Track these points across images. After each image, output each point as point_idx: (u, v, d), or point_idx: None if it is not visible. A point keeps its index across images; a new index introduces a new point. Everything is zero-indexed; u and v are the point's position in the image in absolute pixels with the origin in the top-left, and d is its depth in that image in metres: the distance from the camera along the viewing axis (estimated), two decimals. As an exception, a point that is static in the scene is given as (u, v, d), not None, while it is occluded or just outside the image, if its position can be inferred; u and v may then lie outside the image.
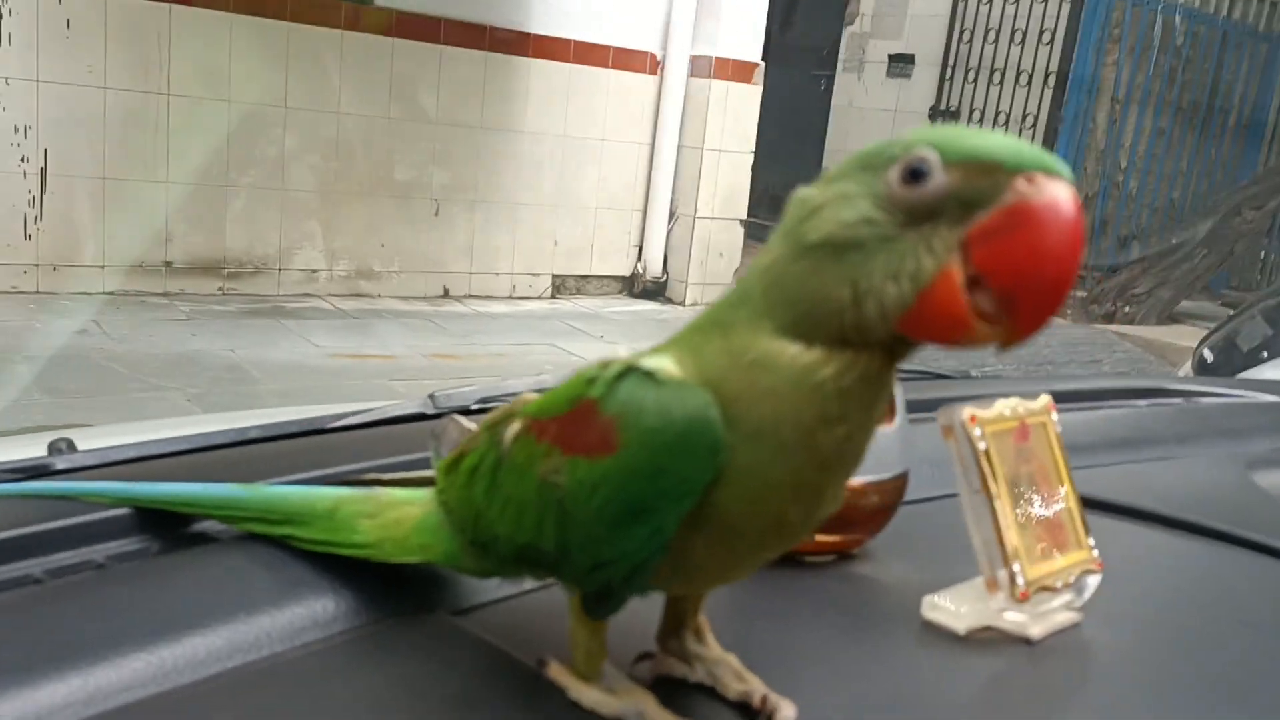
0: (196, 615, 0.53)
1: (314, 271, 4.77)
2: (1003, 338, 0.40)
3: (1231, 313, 3.51)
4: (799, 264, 0.42)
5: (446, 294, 5.08)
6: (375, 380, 3.75)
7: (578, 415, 0.46)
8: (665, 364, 0.45)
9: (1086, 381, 1.29)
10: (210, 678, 0.50)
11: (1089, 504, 0.85)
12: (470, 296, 5.12)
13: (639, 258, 5.55)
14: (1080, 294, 6.35)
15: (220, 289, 4.54)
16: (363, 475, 0.66)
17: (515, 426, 0.50)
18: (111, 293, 4.27)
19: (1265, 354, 2.43)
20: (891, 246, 0.40)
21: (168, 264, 4.42)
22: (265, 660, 0.52)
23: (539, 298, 5.32)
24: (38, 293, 4.16)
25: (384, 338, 4.32)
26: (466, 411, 0.96)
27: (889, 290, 0.40)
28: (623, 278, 5.57)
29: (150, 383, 3.42)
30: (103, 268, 4.28)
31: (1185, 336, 5.72)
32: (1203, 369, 2.43)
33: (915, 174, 0.40)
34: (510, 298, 5.23)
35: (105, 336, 3.83)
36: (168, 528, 0.63)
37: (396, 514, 0.56)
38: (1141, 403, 1.18)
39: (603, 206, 5.39)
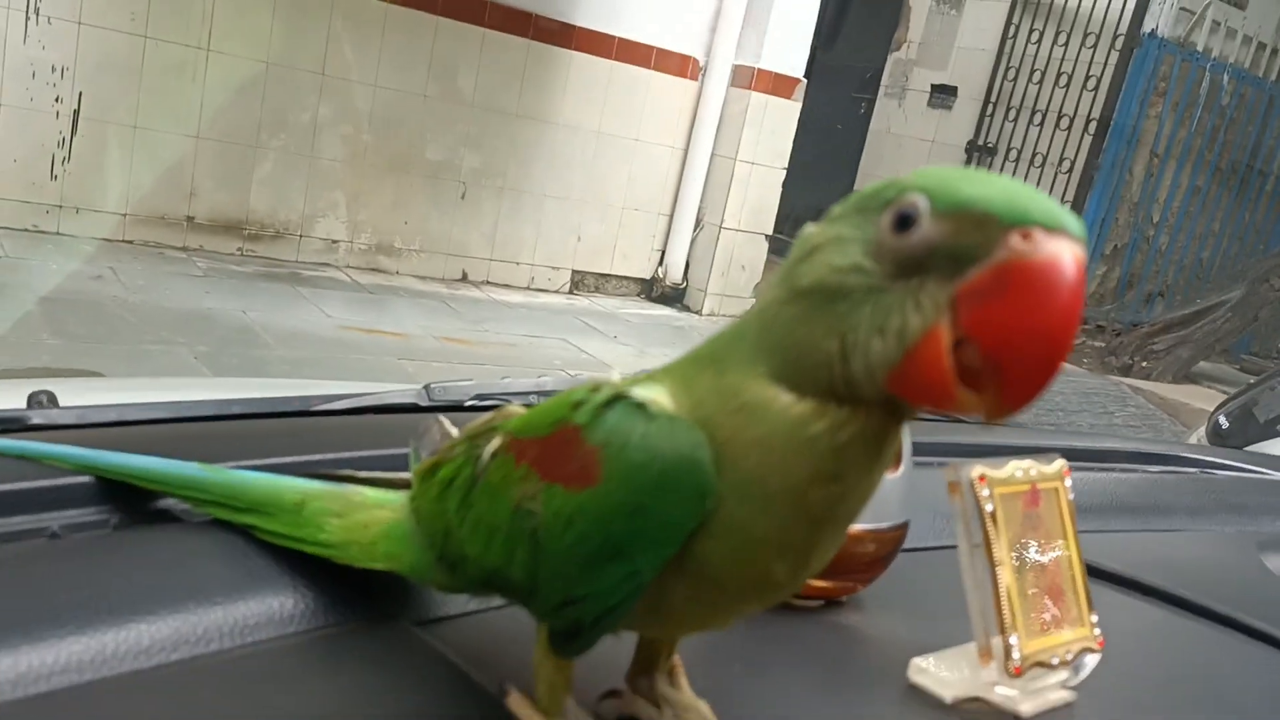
0: (145, 599, 0.51)
1: (334, 242, 4.76)
2: (989, 409, 0.36)
3: (1251, 380, 3.46)
4: (791, 308, 0.39)
5: (465, 278, 5.06)
6: (384, 357, 3.73)
7: (560, 440, 0.43)
8: (658, 395, 0.42)
9: (1100, 441, 1.26)
10: (151, 669, 0.48)
11: (1091, 572, 0.82)
12: (488, 283, 5.10)
13: (661, 262, 5.52)
14: (1098, 344, 6.28)
15: (239, 249, 4.53)
16: (341, 468, 0.63)
17: (495, 442, 0.47)
18: (131, 241, 4.27)
19: (1282, 427, 2.39)
20: (880, 299, 0.36)
21: (189, 219, 4.41)
22: (212, 655, 0.50)
23: (557, 291, 5.29)
24: (58, 234, 4.17)
25: (398, 315, 4.30)
26: (460, 408, 0.94)
27: (875, 346, 0.36)
28: (643, 280, 5.54)
29: (160, 336, 3.41)
30: (124, 216, 4.27)
31: (1200, 398, 5.65)
32: (1217, 436, 2.39)
33: (904, 222, 0.36)
34: (528, 289, 5.21)
35: (120, 285, 3.82)
36: (130, 501, 0.60)
37: (365, 516, 0.53)
38: (1154, 469, 1.14)
39: (630, 207, 5.36)
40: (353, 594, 0.56)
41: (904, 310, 0.36)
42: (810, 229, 0.41)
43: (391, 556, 0.52)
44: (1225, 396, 2.93)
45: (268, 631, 0.52)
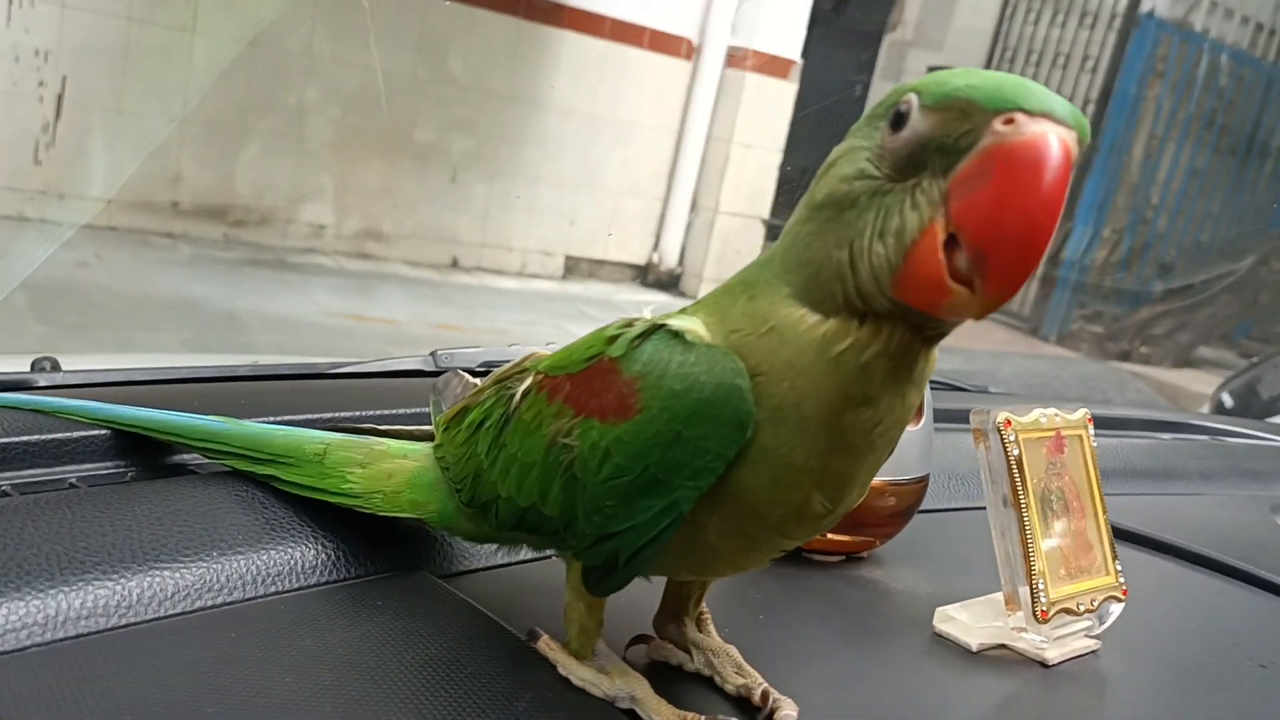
0: (168, 548, 0.50)
1: (321, 227, 4.71)
2: (977, 303, 0.35)
3: (1253, 360, 3.47)
4: (809, 224, 0.39)
5: (455, 264, 5.03)
6: (374, 344, 3.70)
7: (595, 374, 0.42)
8: (694, 325, 0.41)
9: (1112, 409, 1.26)
10: (176, 615, 0.47)
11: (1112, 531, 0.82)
12: (480, 269, 5.07)
13: (655, 247, 5.50)
14: (1097, 329, 6.30)
15: (225, 235, 4.49)
16: (374, 425, 0.62)
17: (527, 382, 0.46)
18: (115, 228, 4.23)
19: (1285, 403, 2.40)
20: (882, 202, 0.36)
21: (174, 204, 4.37)
22: (235, 603, 0.49)
23: (549, 277, 5.27)
24: (42, 220, 4.13)
25: (387, 302, 4.28)
26: (469, 373, 0.93)
27: (878, 250, 0.36)
28: (637, 266, 5.52)
29: (146, 322, 3.38)
30: (109, 201, 4.22)
31: (1199, 382, 5.66)
32: (1220, 413, 2.40)
33: (899, 121, 0.36)
34: (520, 274, 5.18)
35: (105, 271, 3.78)
36: (145, 455, 0.60)
37: (389, 466, 0.53)
38: (1166, 435, 1.14)
39: (624, 191, 5.33)
40: (373, 546, 0.55)
41: (903, 210, 0.36)
42: (837, 146, 0.40)
43: (417, 505, 0.51)
44: (1227, 376, 2.94)
45: (290, 581, 0.52)
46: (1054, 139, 0.33)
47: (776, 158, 5.45)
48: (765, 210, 5.50)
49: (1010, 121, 0.34)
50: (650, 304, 0.48)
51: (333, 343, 3.63)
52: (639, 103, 5.20)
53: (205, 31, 4.24)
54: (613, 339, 0.43)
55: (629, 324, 0.43)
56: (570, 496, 0.42)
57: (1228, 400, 2.44)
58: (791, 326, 0.39)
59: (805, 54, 5.39)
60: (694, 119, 5.29)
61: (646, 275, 5.50)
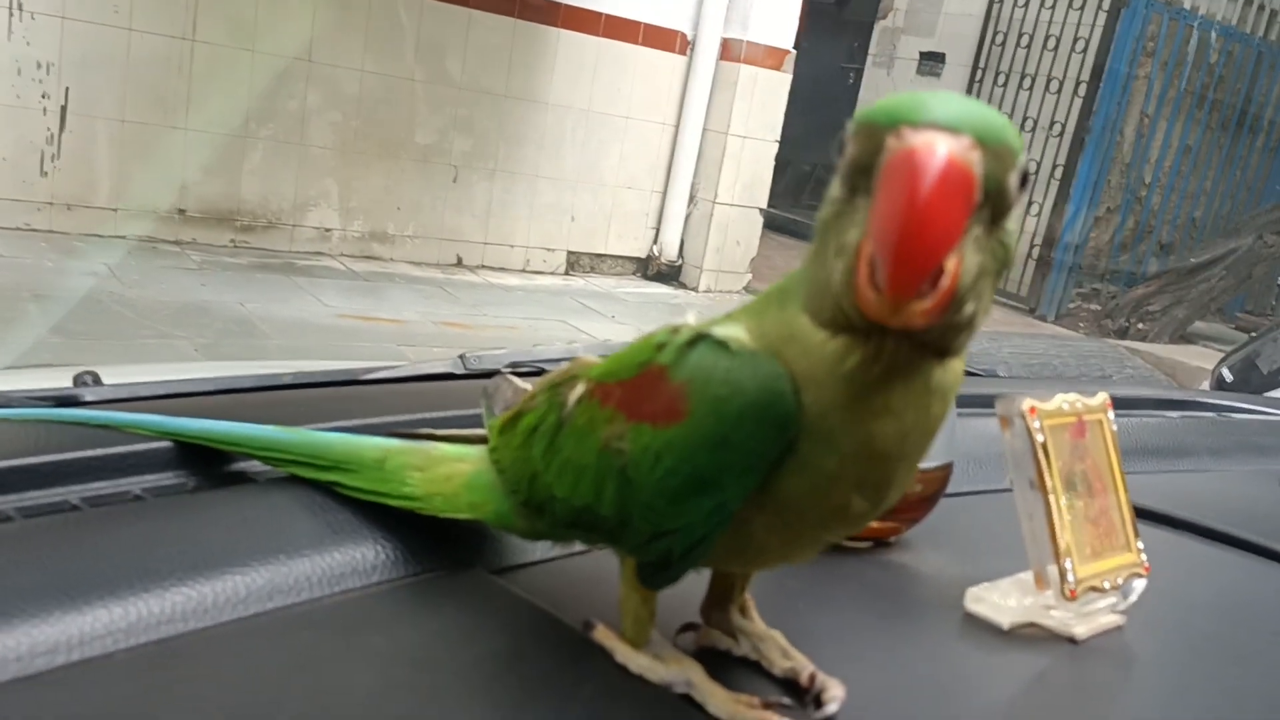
0: (237, 553, 0.52)
1: (327, 230, 4.75)
2: (882, 304, 0.36)
3: (1250, 335, 3.49)
4: (814, 243, 0.41)
5: (460, 263, 5.06)
6: (384, 344, 3.74)
7: (645, 381, 0.44)
8: (737, 333, 0.43)
9: (1119, 388, 1.28)
10: (250, 617, 0.50)
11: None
12: (483, 267, 5.10)
13: (655, 240, 5.52)
14: (1094, 308, 6.33)
15: (232, 241, 4.52)
16: (410, 428, 0.65)
17: (579, 389, 0.48)
18: (123, 236, 4.26)
19: (1285, 377, 2.42)
20: (839, 222, 0.39)
21: (181, 212, 4.40)
22: (305, 604, 0.52)
23: (552, 273, 5.29)
24: (50, 231, 4.15)
25: (394, 302, 4.31)
26: (494, 374, 0.96)
27: (838, 267, 0.38)
28: (638, 259, 5.55)
29: (159, 329, 3.41)
30: (116, 211, 4.25)
31: (1196, 357, 5.70)
32: (1221, 388, 2.43)
33: (839, 147, 0.39)
34: (524, 271, 5.21)
35: (115, 280, 3.81)
36: (204, 464, 0.62)
37: (447, 469, 0.55)
38: (1174, 413, 1.17)
39: (622, 185, 5.35)
40: (428, 544, 0.57)
41: (849, 227, 0.38)
42: None
43: (475, 506, 0.54)
44: (1224, 353, 2.96)
45: (354, 581, 0.54)
46: (932, 144, 0.35)
47: (772, 148, 5.47)
48: (763, 200, 5.52)
49: (898, 135, 0.36)
50: (692, 307, 0.50)
51: (344, 344, 3.67)
52: (635, 98, 5.23)
53: (205, 39, 4.25)
54: (661, 345, 0.45)
55: (676, 330, 0.45)
56: (624, 497, 0.45)
57: (1227, 375, 2.46)
58: (807, 338, 0.41)
59: (797, 44, 5.40)
60: (690, 112, 5.31)
61: (647, 268, 5.52)
